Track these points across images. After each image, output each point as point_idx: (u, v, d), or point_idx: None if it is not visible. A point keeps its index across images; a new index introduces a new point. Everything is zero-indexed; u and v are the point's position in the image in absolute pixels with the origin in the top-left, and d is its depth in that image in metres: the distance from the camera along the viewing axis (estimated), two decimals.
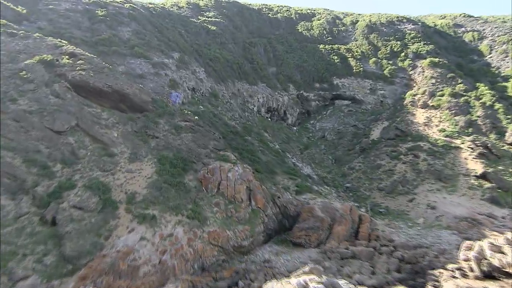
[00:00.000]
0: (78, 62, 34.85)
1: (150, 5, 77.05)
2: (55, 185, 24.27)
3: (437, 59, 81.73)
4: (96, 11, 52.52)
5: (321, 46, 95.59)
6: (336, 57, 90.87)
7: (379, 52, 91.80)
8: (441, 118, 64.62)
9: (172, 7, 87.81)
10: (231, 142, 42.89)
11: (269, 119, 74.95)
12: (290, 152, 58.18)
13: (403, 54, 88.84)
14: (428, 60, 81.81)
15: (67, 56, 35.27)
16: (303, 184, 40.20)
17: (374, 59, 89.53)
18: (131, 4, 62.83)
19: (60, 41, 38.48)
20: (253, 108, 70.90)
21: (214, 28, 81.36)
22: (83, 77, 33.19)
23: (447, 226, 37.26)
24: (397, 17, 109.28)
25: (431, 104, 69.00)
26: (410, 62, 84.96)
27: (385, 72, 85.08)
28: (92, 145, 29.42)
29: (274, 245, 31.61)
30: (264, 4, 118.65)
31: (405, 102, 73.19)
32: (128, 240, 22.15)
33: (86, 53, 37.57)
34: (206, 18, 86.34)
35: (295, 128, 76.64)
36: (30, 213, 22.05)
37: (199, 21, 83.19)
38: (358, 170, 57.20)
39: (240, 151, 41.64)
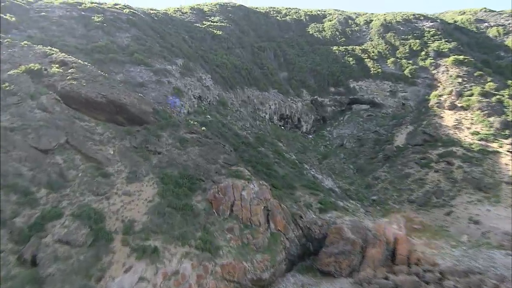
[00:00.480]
0: (69, 71, 31.84)
1: (151, 11, 74.69)
2: (37, 215, 20.86)
3: (461, 57, 77.48)
4: (92, 17, 49.93)
5: (335, 48, 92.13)
6: (351, 59, 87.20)
7: (397, 51, 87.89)
8: (472, 119, 60.17)
9: (175, 13, 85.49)
10: (243, 155, 39.32)
11: (282, 128, 71.36)
12: (307, 162, 54.32)
13: (423, 53, 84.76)
14: (452, 58, 77.62)
15: (57, 65, 32.31)
16: (327, 200, 36.26)
17: (392, 59, 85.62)
18: (131, 10, 60.32)
19: (51, 49, 35.61)
20: (264, 116, 67.45)
21: (220, 33, 78.59)
22: (74, 87, 30.09)
23: (499, 245, 32.83)
24: (413, 14, 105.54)
25: (459, 105, 64.60)
26: (432, 61, 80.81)
27: (405, 72, 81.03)
28: (84, 164, 26.10)
29: (298, 275, 27.72)
30: (271, 7, 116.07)
31: (430, 103, 68.88)
32: (124, 282, 18.53)
33: (79, 60, 34.58)
34: (211, 23, 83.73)
35: (310, 136, 72.85)
36: (5, 251, 18.64)
37: (203, 26, 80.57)
38: (384, 180, 53.05)
39: (254, 164, 37.99)
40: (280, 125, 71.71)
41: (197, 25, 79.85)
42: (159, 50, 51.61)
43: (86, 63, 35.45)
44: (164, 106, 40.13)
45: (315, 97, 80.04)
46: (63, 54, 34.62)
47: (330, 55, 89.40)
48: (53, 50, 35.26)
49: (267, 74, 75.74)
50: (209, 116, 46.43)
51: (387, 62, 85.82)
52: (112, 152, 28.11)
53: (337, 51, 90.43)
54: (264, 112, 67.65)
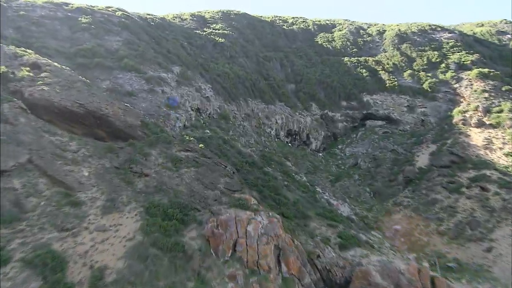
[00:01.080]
0: (41, 75, 27.53)
1: (148, 16, 71.06)
2: None
3: (486, 70, 73.40)
4: (79, 19, 46.09)
5: (346, 59, 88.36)
6: (364, 71, 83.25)
7: (414, 63, 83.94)
8: (504, 138, 55.53)
9: (174, 19, 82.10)
10: (248, 177, 34.59)
11: (290, 144, 66.82)
12: (319, 185, 49.55)
13: (443, 65, 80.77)
14: (475, 71, 73.52)
15: (27, 68, 27.99)
16: (347, 233, 31.32)
17: (409, 71, 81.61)
18: (124, 13, 56.64)
19: (24, 51, 31.39)
20: (270, 132, 63.01)
21: (222, 41, 74.88)
22: (45, 94, 25.70)
23: None
24: (429, 25, 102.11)
25: (488, 122, 60.07)
26: (453, 74, 76.70)
27: (424, 86, 76.84)
28: (49, 189, 21.45)
29: None
30: (276, 16, 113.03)
31: (454, 120, 64.34)
32: None
33: (55, 64, 30.29)
34: (213, 30, 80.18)
35: (320, 154, 68.21)
36: None
37: (204, 33, 76.97)
38: (406, 207, 48.07)
39: (260, 188, 33.22)
40: (287, 141, 67.18)
41: (198, 32, 76.24)
42: (153, 56, 47.61)
43: (64, 67, 31.18)
44: (156, 119, 35.74)
45: (325, 111, 75.73)
46: (37, 56, 30.34)
47: (341, 67, 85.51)
48: (26, 52, 31.04)
49: (273, 86, 71.64)
50: (208, 131, 41.99)
51: (403, 74, 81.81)
52: (86, 174, 23.47)
53: (348, 63, 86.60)
54: (270, 127, 63.24)
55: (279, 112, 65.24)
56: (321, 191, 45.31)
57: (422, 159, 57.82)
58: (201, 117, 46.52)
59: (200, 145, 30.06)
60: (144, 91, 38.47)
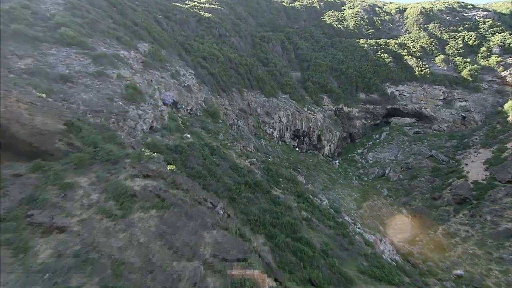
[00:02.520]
0: None
1: None
2: None
3: None
4: None
5: (361, 41, 77.61)
6: (386, 56, 72.61)
7: (447, 47, 73.68)
8: None
9: None
10: (250, 209, 23.56)
11: (297, 149, 55.97)
12: (346, 211, 38.84)
13: (483, 48, 70.65)
14: None
15: None
16: None
17: (442, 56, 71.22)
18: None
19: None
20: (272, 133, 52.03)
21: (209, 16, 63.48)
22: None
23: None
24: (457, 2, 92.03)
25: None
26: (499, 59, 66.45)
27: (463, 74, 66.50)
28: None
29: None
30: None
31: (510, 118, 53.91)
32: None
33: None
34: (197, 4, 68.72)
35: (337, 162, 57.37)
36: None
37: (186, 6, 65.43)
38: (465, 240, 37.66)
39: (270, 229, 22.16)
40: (293, 145, 56.31)
41: (178, 4, 64.61)
42: (110, 28, 36.20)
43: None
44: (105, 118, 24.36)
45: (340, 105, 64.98)
46: None
47: (356, 51, 74.73)
48: None
49: (275, 73, 60.55)
50: (188, 136, 30.77)
51: (434, 60, 71.37)
52: None
53: (365, 45, 75.81)
54: (272, 126, 52.25)
55: (283, 107, 54.20)
56: (350, 221, 34.44)
57: (475, 170, 47.35)
58: (179, 115, 35.34)
59: (170, 167, 18.60)
60: (88, 75, 27.06)
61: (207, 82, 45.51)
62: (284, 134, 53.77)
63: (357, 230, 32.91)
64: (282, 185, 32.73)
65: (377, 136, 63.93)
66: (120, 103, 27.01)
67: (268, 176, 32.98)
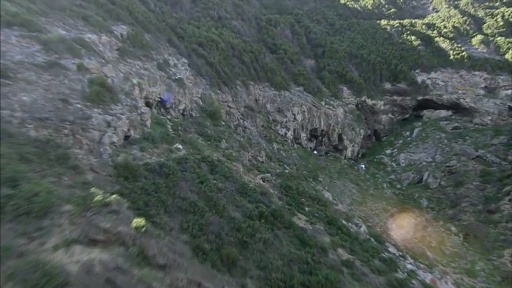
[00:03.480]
0: None
1: None
2: None
3: None
4: None
5: (383, 22, 69.92)
6: (413, 38, 64.91)
7: (485, 26, 65.96)
8: None
9: None
10: (267, 260, 16.49)
11: (316, 152, 48.79)
12: (384, 232, 31.67)
13: None
14: None
15: None
16: None
17: (479, 36, 63.53)
18: None
19: None
20: (286, 134, 44.82)
21: None
22: None
23: None
24: None
25: None
26: None
27: (508, 56, 58.82)
28: None
29: None
30: None
31: None
32: None
33: None
34: None
35: (363, 166, 50.09)
36: None
37: None
38: None
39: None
40: (310, 147, 49.12)
41: None
42: (75, 5, 29.03)
43: None
44: (54, 130, 17.27)
45: (363, 98, 57.59)
46: None
47: (378, 33, 67.10)
48: None
49: (285, 61, 53.19)
50: (180, 147, 23.60)
51: (471, 41, 63.72)
52: None
53: (388, 27, 68.12)
54: (285, 126, 45.02)
55: (298, 102, 46.90)
56: (397, 254, 27.22)
57: None
58: (168, 117, 28.24)
59: (136, 223, 10.92)
60: (34, 68, 19.99)
61: (205, 74, 38.32)
62: (300, 135, 46.53)
63: (409, 266, 25.75)
64: (306, 209, 25.63)
65: (408, 133, 56.48)
66: (79, 106, 19.92)
67: (287, 197, 25.90)
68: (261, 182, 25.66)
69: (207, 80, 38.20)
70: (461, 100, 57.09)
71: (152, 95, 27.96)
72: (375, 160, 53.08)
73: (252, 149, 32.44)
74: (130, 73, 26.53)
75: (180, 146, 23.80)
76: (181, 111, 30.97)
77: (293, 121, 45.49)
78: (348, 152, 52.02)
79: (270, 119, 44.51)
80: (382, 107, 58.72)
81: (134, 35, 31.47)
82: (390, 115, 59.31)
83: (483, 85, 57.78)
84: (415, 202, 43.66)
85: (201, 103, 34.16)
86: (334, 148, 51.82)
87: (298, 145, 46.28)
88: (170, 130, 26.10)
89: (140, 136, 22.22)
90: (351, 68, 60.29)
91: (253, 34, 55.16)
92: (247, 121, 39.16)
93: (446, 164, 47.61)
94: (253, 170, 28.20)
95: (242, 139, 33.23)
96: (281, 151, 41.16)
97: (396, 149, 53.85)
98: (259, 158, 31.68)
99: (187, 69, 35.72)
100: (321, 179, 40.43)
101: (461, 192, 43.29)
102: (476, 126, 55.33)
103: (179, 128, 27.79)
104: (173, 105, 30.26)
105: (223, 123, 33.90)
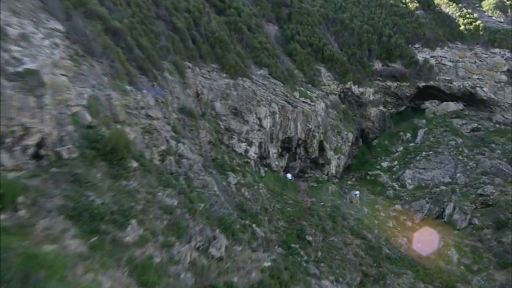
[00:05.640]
0: None
1: None
2: None
3: None
4: None
5: None
6: (409, 3, 50.19)
7: None
8: None
9: None
10: None
11: (288, 176, 33.09)
12: None
13: None
14: None
15: None
16: None
17: (492, 0, 50.37)
18: None
19: None
20: (246, 152, 28.49)
21: None
22: None
23: None
24: None
25: None
26: None
27: None
28: None
29: None
30: None
31: None
32: None
33: None
34: None
35: (356, 193, 35.10)
36: None
37: None
38: None
39: None
40: (282, 167, 33.52)
41: None
42: None
43: None
44: None
45: (347, 84, 42.38)
46: None
47: None
48: None
49: (240, 28, 36.11)
50: None
51: (480, 6, 50.48)
52: None
53: None
54: (245, 139, 28.61)
55: (265, 98, 30.46)
56: None
57: None
58: None
59: None
60: None
61: (101, 54, 20.65)
62: (268, 151, 30.37)
63: None
64: None
65: (409, 135, 42.36)
66: None
67: None
68: None
69: (104, 64, 20.58)
70: (477, 89, 43.72)
71: None
72: (368, 177, 38.61)
73: (196, 227, 15.97)
74: None
75: None
76: (30, 152, 13.69)
77: (258, 130, 29.12)
78: (332, 168, 37.08)
79: (222, 127, 27.93)
80: (372, 97, 44.10)
81: None
82: (381, 107, 44.92)
83: (505, 68, 44.81)
84: (439, 256, 29.95)
85: (88, 118, 16.83)
86: (312, 163, 36.57)
87: (267, 168, 30.31)
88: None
89: None
90: (330, 39, 44.57)
91: None
92: (183, 142, 22.29)
93: (474, 188, 34.15)
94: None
95: (172, 200, 16.45)
96: (242, 189, 25.05)
97: (396, 162, 39.62)
98: (213, 252, 15.36)
99: (57, 46, 18.00)
100: (310, 238, 25.11)
101: (510, 239, 30.19)
102: (497, 126, 42.60)
103: (19, 201, 10.75)
104: (7, 139, 12.88)
105: (134, 164, 16.78)
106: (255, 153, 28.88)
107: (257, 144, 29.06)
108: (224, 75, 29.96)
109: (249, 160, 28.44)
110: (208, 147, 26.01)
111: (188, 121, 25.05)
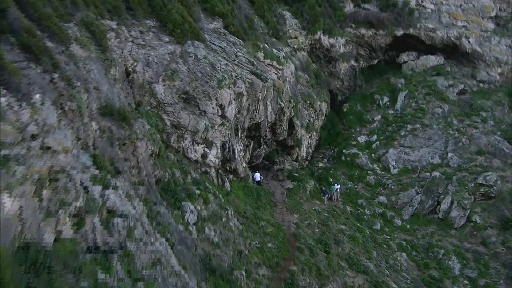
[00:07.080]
0: None
1: None
2: None
3: None
4: None
5: None
6: None
7: None
8: None
9: None
10: None
11: (255, 176, 24.90)
12: None
13: None
14: None
15: None
16: None
17: None
18: None
19: None
20: (204, 158, 19.65)
21: None
22: None
23: None
24: None
25: None
26: None
27: None
28: None
29: None
30: None
31: None
32: None
33: None
34: None
35: (338, 187, 28.06)
36: None
37: None
38: None
39: None
40: (251, 164, 25.29)
41: None
42: None
43: None
44: None
45: (317, 34, 33.68)
46: None
47: None
48: None
49: None
50: None
51: None
52: None
53: None
54: (203, 139, 19.63)
55: (228, 74, 21.05)
56: None
57: None
58: None
59: None
60: None
61: None
62: (234, 150, 21.63)
63: None
64: None
65: (386, 99, 35.32)
66: None
67: None
68: None
69: None
70: (462, 40, 37.08)
71: None
72: (342, 157, 31.56)
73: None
74: None
75: None
76: None
77: (221, 124, 20.03)
78: (303, 150, 29.43)
79: (167, 123, 18.63)
80: (342, 49, 35.93)
81: None
82: (352, 62, 37.06)
83: (493, 13, 38.44)
84: (441, 269, 24.51)
85: None
86: (280, 145, 28.63)
87: (232, 175, 21.83)
88: None
89: None
90: None
91: None
92: (113, 185, 13.01)
93: (478, 180, 28.47)
94: None
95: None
96: (205, 228, 16.75)
97: (375, 136, 32.79)
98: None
99: None
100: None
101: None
102: (481, 85, 36.97)
103: None
104: None
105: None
106: (216, 157, 20.10)
107: (219, 144, 20.20)
108: (167, 39, 19.99)
109: (208, 170, 19.72)
110: (150, 164, 16.92)
111: (117, 130, 15.44)
